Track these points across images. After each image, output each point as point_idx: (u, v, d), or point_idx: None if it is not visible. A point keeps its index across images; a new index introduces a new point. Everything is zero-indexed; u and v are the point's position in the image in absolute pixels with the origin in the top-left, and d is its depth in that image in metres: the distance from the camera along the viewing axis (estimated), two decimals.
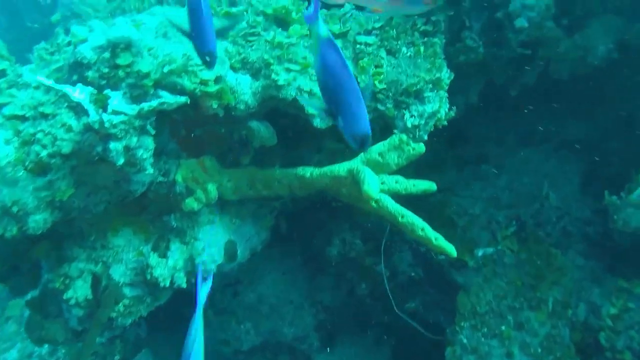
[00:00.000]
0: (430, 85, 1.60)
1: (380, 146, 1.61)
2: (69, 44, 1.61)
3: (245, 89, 1.51)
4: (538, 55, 2.01)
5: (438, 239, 1.54)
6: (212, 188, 1.65)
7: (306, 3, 1.82)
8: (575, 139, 2.59)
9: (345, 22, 1.76)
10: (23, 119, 1.38)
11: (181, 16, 1.56)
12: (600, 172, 2.52)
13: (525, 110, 2.33)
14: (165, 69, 1.32)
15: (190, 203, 1.64)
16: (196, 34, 1.17)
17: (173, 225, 1.71)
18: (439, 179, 2.77)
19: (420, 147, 1.63)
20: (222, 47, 1.56)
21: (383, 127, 1.70)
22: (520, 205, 2.57)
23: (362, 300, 2.73)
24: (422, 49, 1.69)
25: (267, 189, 1.74)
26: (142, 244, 1.75)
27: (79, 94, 1.24)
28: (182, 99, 1.34)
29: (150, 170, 1.41)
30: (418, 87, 1.59)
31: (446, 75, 1.65)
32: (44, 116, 1.31)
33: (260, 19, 1.64)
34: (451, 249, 1.54)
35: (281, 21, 1.72)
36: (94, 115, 1.24)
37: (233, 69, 1.55)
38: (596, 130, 2.59)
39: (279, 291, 2.95)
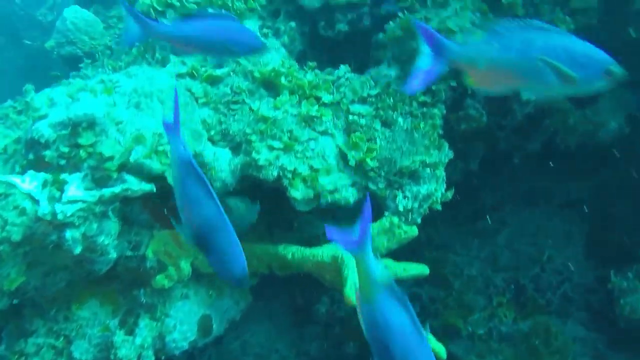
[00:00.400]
0: (429, 169, 1.47)
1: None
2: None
3: (223, 166, 1.38)
4: (544, 124, 1.89)
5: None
6: (185, 265, 1.52)
7: (298, 64, 1.70)
8: (578, 198, 2.47)
9: (339, 87, 1.64)
10: None
11: (159, 81, 1.44)
12: (605, 235, 2.39)
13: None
14: (132, 154, 1.19)
15: (161, 280, 1.51)
16: (216, 252, 0.88)
17: (143, 301, 1.58)
18: (435, 235, 2.65)
19: (413, 231, 1.51)
20: (200, 116, 1.44)
21: (373, 207, 1.57)
22: (520, 267, 2.45)
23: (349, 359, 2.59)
24: (420, 122, 1.56)
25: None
26: (109, 317, 1.61)
27: (29, 183, 1.12)
28: (148, 187, 1.21)
29: (114, 255, 1.28)
30: (413, 168, 1.46)
31: (445, 155, 1.52)
32: None
33: (245, 84, 1.52)
34: (441, 351, 1.40)
35: (270, 84, 1.60)
36: (44, 207, 1.11)
37: (212, 141, 1.43)
38: (601, 191, 2.47)
39: (264, 339, 2.81)
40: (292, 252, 1.52)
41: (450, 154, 1.55)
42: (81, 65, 1.98)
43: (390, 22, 1.70)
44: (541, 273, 2.41)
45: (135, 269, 1.54)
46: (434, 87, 1.66)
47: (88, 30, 2.88)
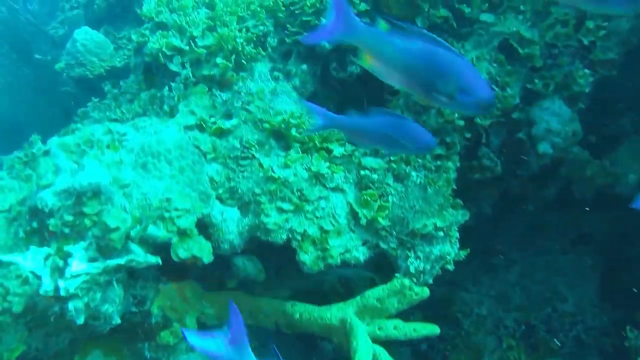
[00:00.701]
0: (441, 233, 1.43)
1: (380, 291, 1.45)
2: (45, 153, 1.46)
3: (231, 227, 1.35)
4: (560, 173, 1.84)
5: None
6: (190, 321, 1.49)
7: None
8: (592, 234, 2.41)
9: None
10: None
11: (167, 138, 1.41)
12: (620, 276, 2.33)
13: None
14: (137, 228, 1.16)
15: (166, 337, 1.48)
16: None
17: (147, 355, 1.55)
18: (445, 270, 2.59)
19: (424, 292, 1.47)
20: (209, 172, 1.40)
21: (384, 265, 1.54)
22: (531, 307, 2.40)
23: None
24: (434, 177, 1.52)
25: (253, 318, 1.58)
26: None
27: (31, 261, 1.09)
28: (153, 260, 1.18)
29: (118, 320, 1.25)
30: (425, 231, 1.42)
31: (460, 217, 1.48)
32: None
33: (255, 137, 1.48)
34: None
35: (280, 135, 1.56)
36: (47, 285, 1.08)
37: (220, 199, 1.39)
38: (617, 228, 2.40)
39: None
40: (300, 312, 1.48)
41: (466, 215, 1.51)
42: (89, 104, 1.95)
43: None
44: (553, 314, 2.36)
45: (140, 324, 1.51)
46: (448, 139, 1.62)
47: (98, 52, 2.87)
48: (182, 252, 1.21)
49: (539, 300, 2.41)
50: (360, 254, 1.46)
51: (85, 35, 2.85)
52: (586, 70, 1.59)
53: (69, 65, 2.84)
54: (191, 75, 1.64)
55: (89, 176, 1.15)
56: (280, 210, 1.35)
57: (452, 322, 2.42)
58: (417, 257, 1.47)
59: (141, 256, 1.18)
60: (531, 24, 1.64)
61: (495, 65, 1.59)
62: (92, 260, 1.15)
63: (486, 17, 1.69)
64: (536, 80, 1.60)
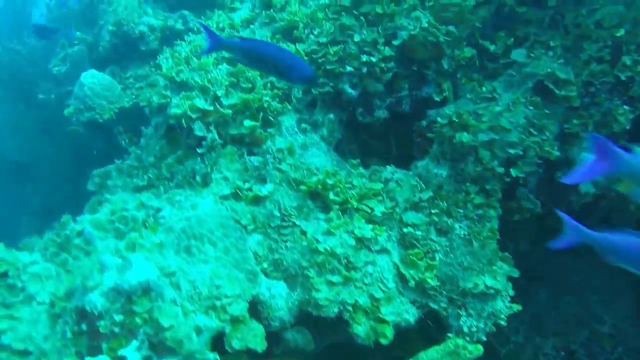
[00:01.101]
0: (493, 290, 1.39)
1: (434, 352, 1.40)
2: (79, 234, 1.41)
3: (280, 304, 1.31)
4: (601, 205, 1.80)
5: None
6: None
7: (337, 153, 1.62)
8: None
9: (388, 192, 1.56)
10: (25, 354, 1.18)
11: (206, 214, 1.36)
12: None
13: None
14: (190, 329, 1.11)
15: None
16: None
17: None
18: None
19: (478, 349, 1.43)
20: (251, 247, 1.36)
21: (434, 321, 1.49)
22: (568, 331, 2.35)
23: None
24: (478, 229, 1.48)
25: None
26: None
27: None
28: (211, 357, 1.14)
29: None
30: (477, 290, 1.38)
31: (509, 271, 1.44)
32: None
33: (292, 204, 1.44)
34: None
35: (316, 195, 1.52)
36: None
37: (265, 273, 1.35)
38: None
39: None
40: None
41: (515, 273, 1.47)
42: (111, 167, 1.89)
43: (438, 119, 1.62)
44: (591, 336, 2.31)
45: None
46: (488, 187, 1.58)
47: (106, 94, 2.84)
48: (236, 342, 1.17)
49: (576, 323, 2.36)
50: (410, 315, 1.42)
51: (93, 79, 2.82)
52: (625, 107, 1.55)
53: (78, 109, 2.81)
54: (217, 138, 1.59)
55: (137, 274, 1.11)
56: (330, 284, 1.31)
57: (489, 352, 2.37)
58: (469, 315, 1.43)
59: (197, 353, 1.13)
60: (564, 61, 1.60)
61: (531, 108, 1.55)
62: (146, 359, 1.11)
63: (517, 55, 1.65)
64: (575, 121, 1.56)
